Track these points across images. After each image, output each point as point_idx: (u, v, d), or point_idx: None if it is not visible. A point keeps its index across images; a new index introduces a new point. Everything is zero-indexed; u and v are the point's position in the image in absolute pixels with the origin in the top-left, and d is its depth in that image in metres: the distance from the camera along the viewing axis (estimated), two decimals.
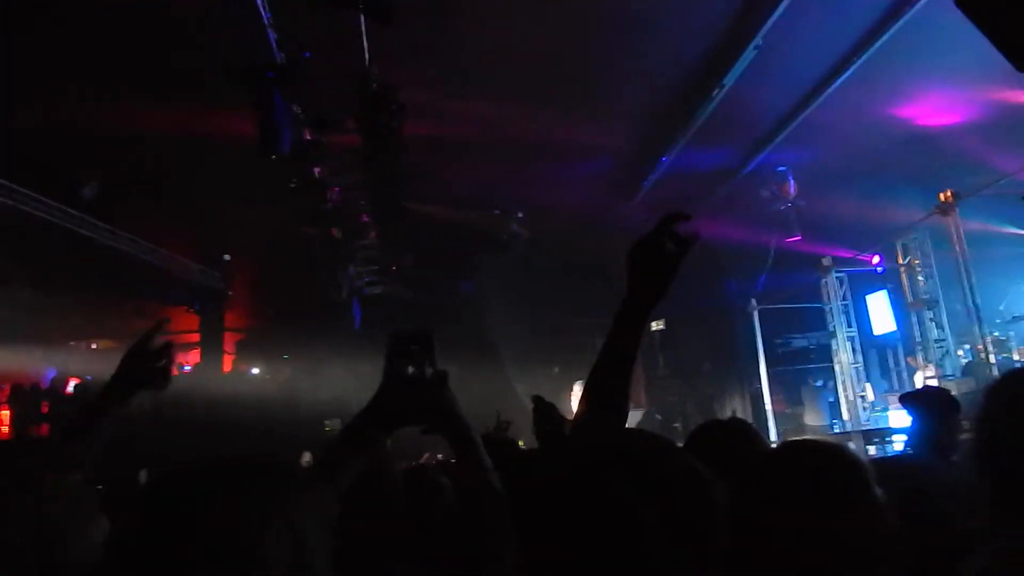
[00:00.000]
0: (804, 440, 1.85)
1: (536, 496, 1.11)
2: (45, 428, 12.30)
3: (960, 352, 11.68)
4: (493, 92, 8.76)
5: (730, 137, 10.39)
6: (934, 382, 11.01)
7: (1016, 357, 10.65)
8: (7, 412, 12.79)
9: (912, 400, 3.67)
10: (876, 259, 12.91)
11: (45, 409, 12.75)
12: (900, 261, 12.63)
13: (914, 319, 12.50)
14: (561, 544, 1.03)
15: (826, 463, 1.59)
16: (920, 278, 12.30)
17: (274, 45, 7.00)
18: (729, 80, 8.48)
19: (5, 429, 12.62)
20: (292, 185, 9.46)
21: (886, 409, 12.27)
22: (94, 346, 16.43)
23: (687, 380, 15.04)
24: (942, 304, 11.94)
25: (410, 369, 1.57)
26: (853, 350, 13.14)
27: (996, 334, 10.77)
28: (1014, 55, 3.60)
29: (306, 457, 7.99)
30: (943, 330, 11.90)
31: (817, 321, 13.86)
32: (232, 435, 11.15)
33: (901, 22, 7.40)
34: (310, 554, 0.97)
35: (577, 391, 12.63)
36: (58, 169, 9.39)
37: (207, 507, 0.94)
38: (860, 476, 1.56)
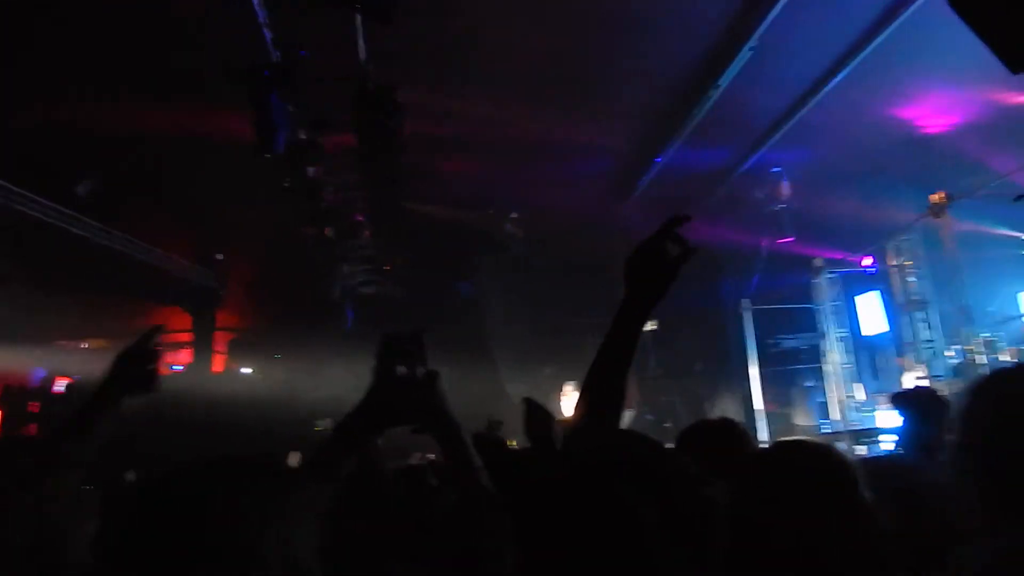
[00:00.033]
0: (793, 441, 1.86)
1: (537, 497, 1.11)
2: (33, 428, 12.24)
3: (951, 353, 11.74)
4: (488, 92, 8.76)
5: (725, 138, 10.41)
6: (925, 383, 11.06)
7: (1006, 358, 10.70)
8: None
9: (902, 400, 3.69)
10: (869, 261, 12.97)
11: (34, 408, 12.69)
12: (892, 262, 12.68)
13: (905, 320, 12.55)
14: (562, 544, 1.04)
15: (814, 464, 1.60)
16: (911, 279, 12.35)
17: (270, 44, 6.98)
18: (724, 81, 8.50)
19: None
20: (285, 185, 9.44)
21: (875, 409, 12.33)
22: (84, 345, 16.35)
23: (679, 380, 15.07)
24: (933, 305, 12.00)
25: (401, 369, 1.57)
26: (845, 351, 13.19)
27: (986, 335, 10.82)
28: (1007, 57, 3.62)
29: (294, 457, 7.96)
30: (933, 331, 11.96)
31: (808, 322, 13.91)
32: (223, 435, 11.12)
33: (896, 24, 7.43)
34: (302, 553, 0.97)
35: (568, 391, 12.64)
36: (51, 167, 9.35)
37: (203, 507, 0.94)
38: (847, 476, 1.57)
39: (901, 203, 11.30)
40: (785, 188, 11.57)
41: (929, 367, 11.77)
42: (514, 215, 12.89)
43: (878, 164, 10.72)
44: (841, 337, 13.26)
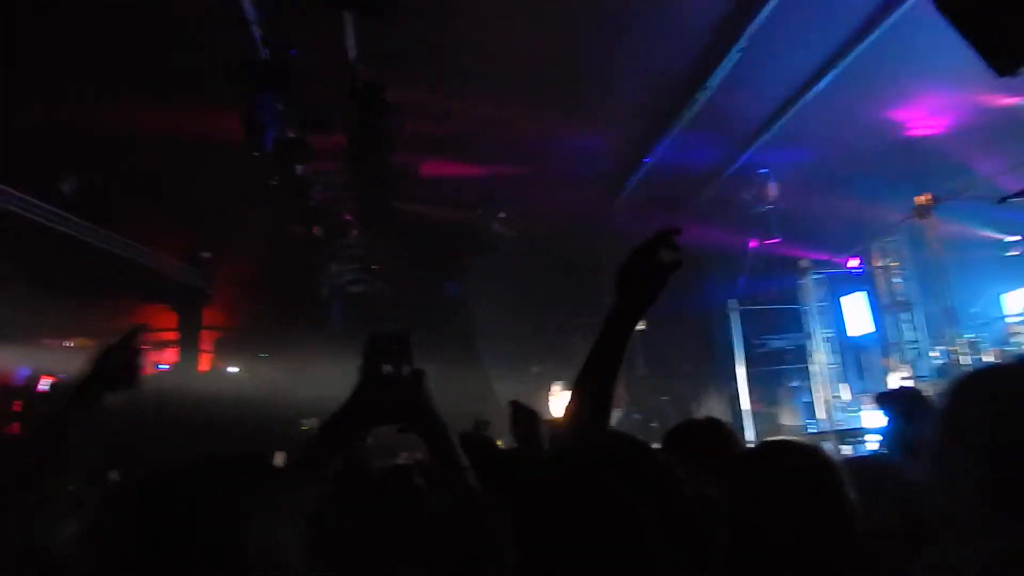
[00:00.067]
0: (779, 441, 1.87)
1: (536, 497, 1.11)
2: (16, 427, 12.12)
3: (935, 354, 11.83)
4: (476, 92, 8.76)
5: (713, 139, 10.45)
6: (909, 383, 11.15)
7: (989, 359, 10.79)
8: None
9: (887, 400, 3.73)
10: (855, 262, 13.06)
11: (17, 408, 12.56)
12: (877, 263, 12.77)
13: (890, 321, 12.65)
14: (562, 545, 1.04)
15: (800, 464, 1.61)
16: (897, 280, 12.45)
17: (259, 42, 6.95)
18: (713, 82, 8.54)
19: None
20: (273, 183, 9.39)
21: (860, 409, 12.41)
22: (69, 344, 16.21)
23: (666, 380, 15.11)
24: (918, 306, 12.09)
25: (387, 368, 1.57)
26: (831, 351, 13.27)
27: (970, 336, 10.91)
28: (993, 60, 3.65)
29: (279, 457, 7.92)
30: (918, 332, 12.05)
31: (795, 322, 13.99)
32: (209, 434, 11.06)
33: (884, 27, 7.48)
34: (286, 551, 0.97)
35: (556, 391, 12.66)
36: (35, 165, 9.27)
37: (187, 506, 0.94)
38: (833, 476, 1.58)
39: (887, 205, 11.37)
40: (772, 189, 11.63)
41: (914, 368, 11.86)
42: (502, 215, 12.88)
43: (864, 166, 10.79)
44: (827, 337, 13.34)
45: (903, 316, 12.31)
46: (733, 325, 13.55)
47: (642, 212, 11.96)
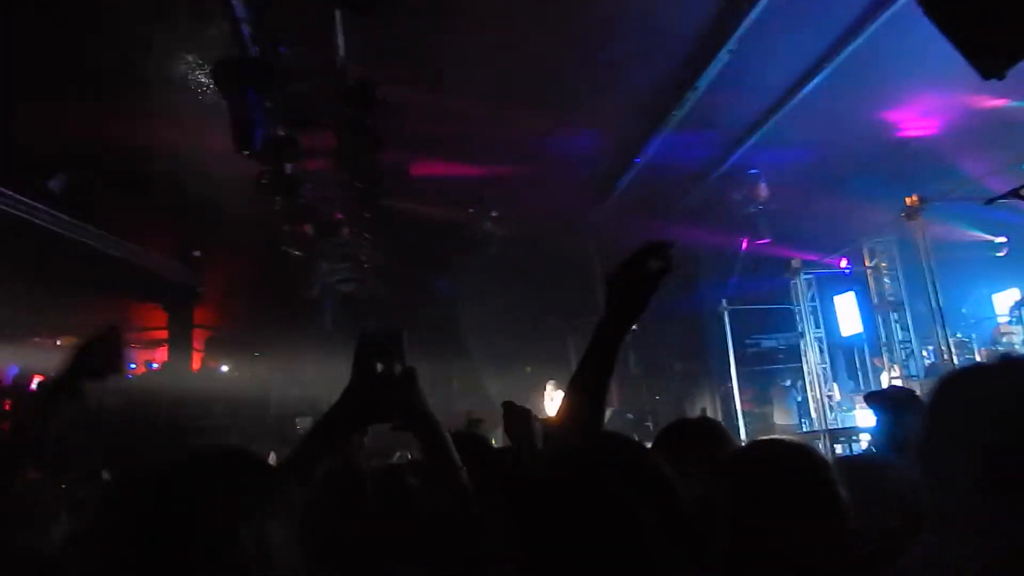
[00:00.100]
0: (770, 439, 1.88)
1: (536, 497, 1.12)
2: (6, 426, 12.05)
3: (924, 353, 11.91)
4: (469, 91, 8.75)
5: (703, 140, 10.47)
6: (899, 382, 11.22)
7: (978, 358, 10.87)
8: None
9: (877, 399, 3.75)
10: (844, 262, 13.13)
11: (7, 407, 12.48)
12: (867, 264, 12.84)
13: (880, 321, 12.72)
14: (562, 545, 1.05)
15: (791, 462, 1.62)
16: (886, 281, 12.53)
17: (248, 39, 6.92)
18: (702, 83, 8.56)
19: None
20: (263, 181, 9.36)
21: (852, 408, 12.49)
22: (60, 343, 16.11)
23: (659, 380, 15.16)
24: (907, 306, 12.17)
25: (379, 366, 1.57)
26: (821, 351, 13.35)
27: (959, 335, 11.00)
28: (978, 62, 3.68)
29: (271, 458, 7.90)
30: (908, 331, 12.13)
31: (786, 322, 14.05)
32: (202, 433, 11.03)
33: (872, 28, 7.51)
34: (278, 549, 0.97)
35: (550, 390, 12.66)
36: (24, 163, 9.21)
37: (179, 504, 0.94)
38: (825, 475, 1.59)
39: (876, 205, 11.43)
40: (762, 190, 11.67)
41: (904, 367, 11.94)
42: (494, 213, 12.88)
43: (854, 167, 10.84)
44: (818, 337, 13.41)
45: (893, 316, 12.39)
46: (725, 325, 13.61)
47: (633, 212, 11.98)
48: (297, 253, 12.00)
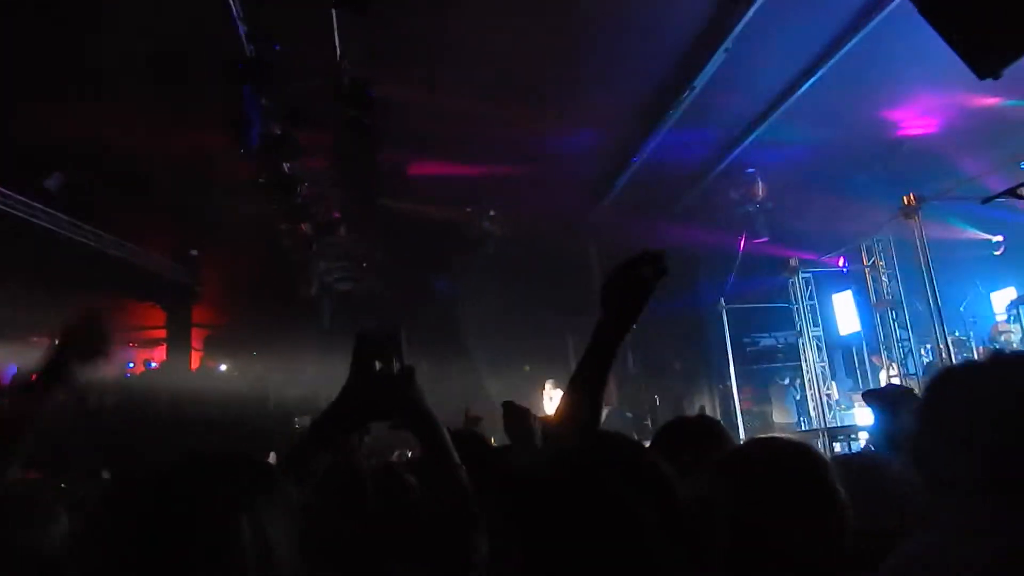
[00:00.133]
0: (769, 438, 1.88)
1: (536, 497, 1.12)
2: None
3: (922, 351, 11.91)
4: (467, 91, 8.75)
5: (700, 139, 10.48)
6: (897, 380, 11.22)
7: (976, 356, 10.88)
8: None
9: (875, 397, 3.74)
10: (842, 261, 13.13)
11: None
12: (865, 262, 12.85)
13: (878, 319, 12.73)
14: (562, 545, 1.05)
15: (790, 461, 1.63)
16: (884, 279, 12.53)
17: (244, 38, 6.92)
18: (699, 82, 8.56)
19: None
20: (261, 180, 9.36)
21: (851, 407, 12.49)
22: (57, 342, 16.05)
23: (657, 378, 15.16)
24: (904, 305, 12.17)
25: (377, 365, 1.57)
26: (819, 349, 13.35)
27: (957, 334, 11.00)
28: (974, 62, 3.69)
29: (270, 458, 7.89)
30: (906, 330, 12.14)
31: (784, 321, 14.06)
32: (201, 433, 11.02)
33: (869, 28, 7.52)
34: (277, 548, 0.97)
35: (549, 389, 12.66)
36: (21, 162, 9.20)
37: (181, 505, 0.94)
38: (823, 473, 1.60)
39: (874, 204, 11.44)
40: (760, 189, 11.68)
41: (902, 365, 11.95)
42: (492, 213, 12.88)
43: (851, 166, 10.85)
44: (816, 336, 13.41)
45: (891, 314, 12.40)
46: (723, 323, 13.61)
47: (631, 211, 11.99)
48: (295, 252, 12.00)
